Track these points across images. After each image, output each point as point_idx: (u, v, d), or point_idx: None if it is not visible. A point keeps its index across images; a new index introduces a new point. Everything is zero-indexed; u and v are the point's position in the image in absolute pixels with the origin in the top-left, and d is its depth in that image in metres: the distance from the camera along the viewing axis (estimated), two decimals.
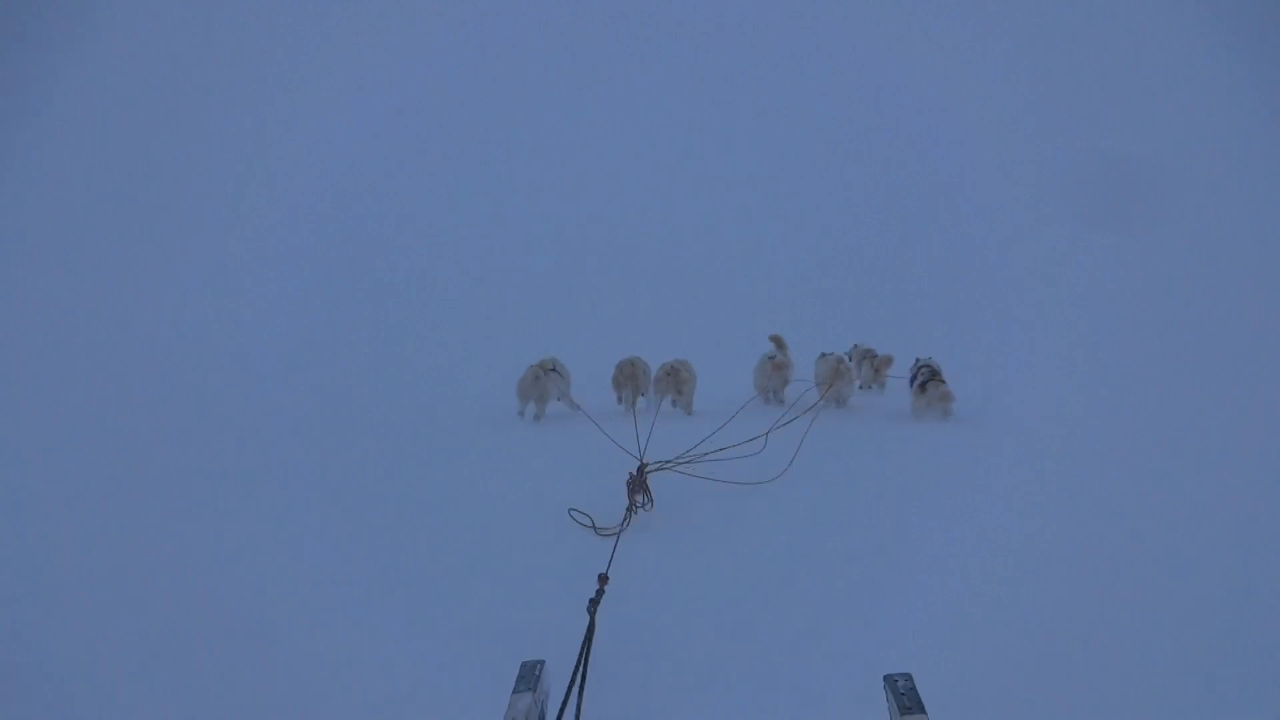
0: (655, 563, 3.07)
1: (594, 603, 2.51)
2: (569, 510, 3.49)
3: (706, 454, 4.29)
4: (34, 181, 11.31)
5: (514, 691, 1.96)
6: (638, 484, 3.67)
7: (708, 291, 10.63)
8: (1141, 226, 10.35)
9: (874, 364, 7.24)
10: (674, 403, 6.14)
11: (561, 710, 1.99)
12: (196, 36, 13.69)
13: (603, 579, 2.67)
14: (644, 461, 3.99)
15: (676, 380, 6.12)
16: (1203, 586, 2.90)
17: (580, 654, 2.20)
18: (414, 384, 7.10)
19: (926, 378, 5.92)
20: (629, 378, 6.08)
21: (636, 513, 3.52)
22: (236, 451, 4.97)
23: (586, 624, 2.36)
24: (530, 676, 2.02)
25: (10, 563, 3.19)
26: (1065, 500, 3.86)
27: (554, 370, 6.03)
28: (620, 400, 6.11)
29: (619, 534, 3.21)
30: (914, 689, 1.85)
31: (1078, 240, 10.64)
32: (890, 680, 1.89)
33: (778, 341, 7.01)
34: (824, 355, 6.58)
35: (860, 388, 7.13)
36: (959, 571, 2.97)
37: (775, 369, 6.51)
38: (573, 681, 2.09)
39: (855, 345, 7.61)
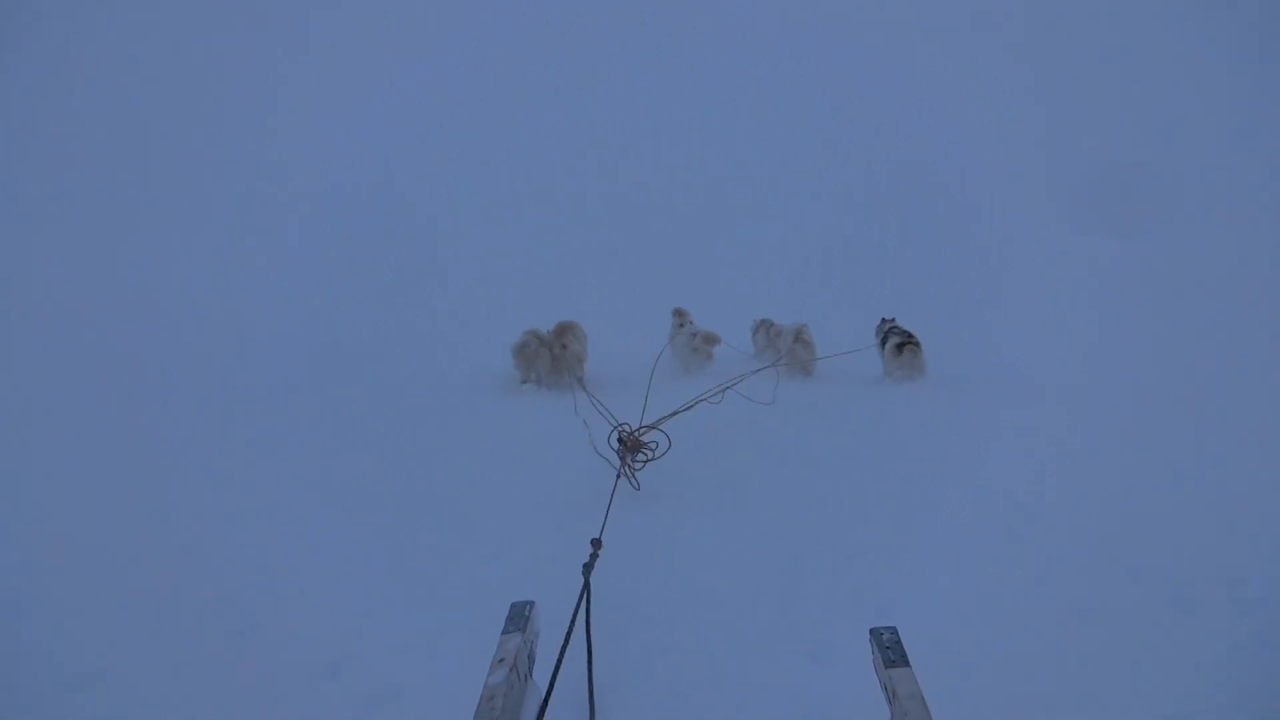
0: (643, 526, 3.10)
1: (588, 566, 2.55)
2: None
3: (688, 406, 4.28)
4: (44, 171, 11.32)
5: (504, 632, 1.99)
6: (631, 447, 3.70)
7: (708, 287, 10.62)
8: (1143, 228, 10.41)
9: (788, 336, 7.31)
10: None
11: (556, 668, 2.02)
12: (206, 26, 13.80)
13: (596, 543, 2.69)
14: (625, 428, 3.92)
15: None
16: (1186, 542, 2.97)
17: (574, 614, 2.24)
18: (414, 360, 7.15)
19: (902, 340, 5.90)
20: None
21: (641, 466, 3.57)
22: (240, 425, 5.08)
23: (581, 585, 2.40)
24: (520, 617, 2.05)
25: (10, 553, 3.19)
26: (1053, 465, 3.91)
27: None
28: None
29: (610, 499, 3.23)
30: (899, 642, 1.89)
31: (1078, 241, 10.67)
32: (876, 634, 1.93)
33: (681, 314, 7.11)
34: (762, 322, 6.95)
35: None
36: (944, 529, 3.03)
37: (706, 341, 6.51)
38: (567, 639, 2.13)
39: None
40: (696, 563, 2.82)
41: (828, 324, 7.10)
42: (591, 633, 2.22)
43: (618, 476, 3.48)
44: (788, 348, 6.26)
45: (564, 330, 6.37)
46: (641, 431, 3.88)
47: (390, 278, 11.08)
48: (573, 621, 2.21)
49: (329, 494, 3.73)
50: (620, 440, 3.79)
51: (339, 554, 3.06)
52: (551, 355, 6.14)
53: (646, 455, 3.67)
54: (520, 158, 14.05)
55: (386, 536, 3.23)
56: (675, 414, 4.18)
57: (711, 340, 6.65)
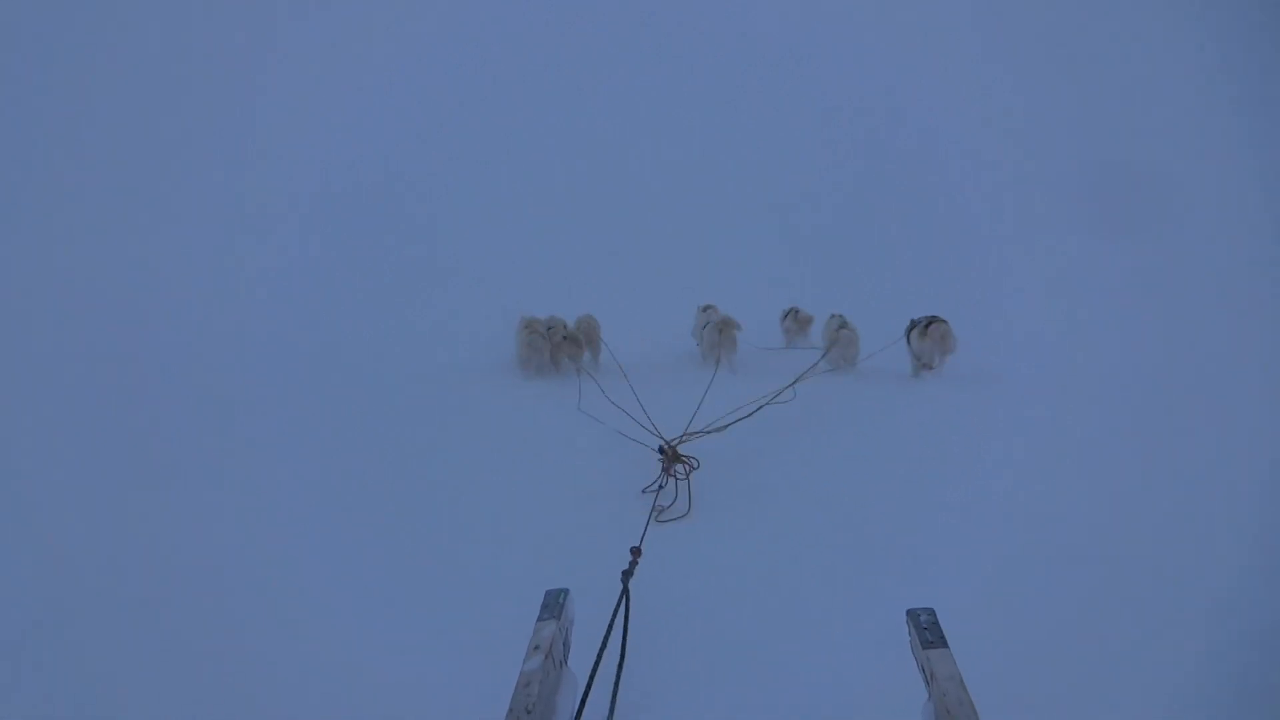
0: (673, 526, 3.11)
1: (627, 574, 2.56)
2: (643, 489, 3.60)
3: (736, 418, 4.28)
4: (37, 171, 11.08)
5: (538, 619, 2.00)
6: (672, 460, 3.72)
7: (709, 291, 10.66)
8: (1144, 228, 10.23)
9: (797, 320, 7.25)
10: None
11: (591, 677, 2.03)
12: (203, 23, 13.79)
13: (635, 551, 2.70)
14: (667, 443, 3.93)
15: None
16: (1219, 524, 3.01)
17: (610, 622, 2.25)
18: (417, 357, 7.17)
19: (928, 320, 5.88)
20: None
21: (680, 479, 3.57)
22: (239, 425, 5.09)
23: (620, 592, 2.42)
24: (555, 605, 2.06)
25: (7, 552, 3.17)
26: (1089, 452, 3.96)
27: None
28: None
29: (652, 509, 3.25)
30: (936, 623, 1.86)
31: (1077, 241, 10.54)
32: (913, 615, 1.91)
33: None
34: (791, 310, 7.11)
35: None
36: (982, 512, 3.00)
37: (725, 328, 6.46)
38: (604, 645, 2.14)
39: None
40: (725, 559, 2.82)
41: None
42: (627, 640, 2.23)
43: (659, 488, 3.49)
44: (831, 340, 6.23)
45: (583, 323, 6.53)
46: (682, 441, 3.90)
47: (390, 276, 10.72)
48: (612, 621, 2.23)
49: (355, 495, 3.75)
50: (662, 451, 3.81)
51: (372, 557, 3.10)
52: (559, 344, 6.20)
53: (688, 467, 3.66)
54: (520, 155, 14.02)
55: (418, 540, 3.27)
56: (724, 427, 4.18)
57: (730, 325, 6.58)
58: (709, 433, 4.10)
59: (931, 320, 5.88)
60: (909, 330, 6.19)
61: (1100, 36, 13.49)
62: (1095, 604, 2.49)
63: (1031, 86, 13.33)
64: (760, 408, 4.42)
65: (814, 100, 14.43)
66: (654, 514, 3.21)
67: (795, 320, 7.29)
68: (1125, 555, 2.83)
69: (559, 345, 6.28)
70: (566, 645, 2.09)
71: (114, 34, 13.08)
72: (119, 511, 3.52)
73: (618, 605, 2.36)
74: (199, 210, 11.46)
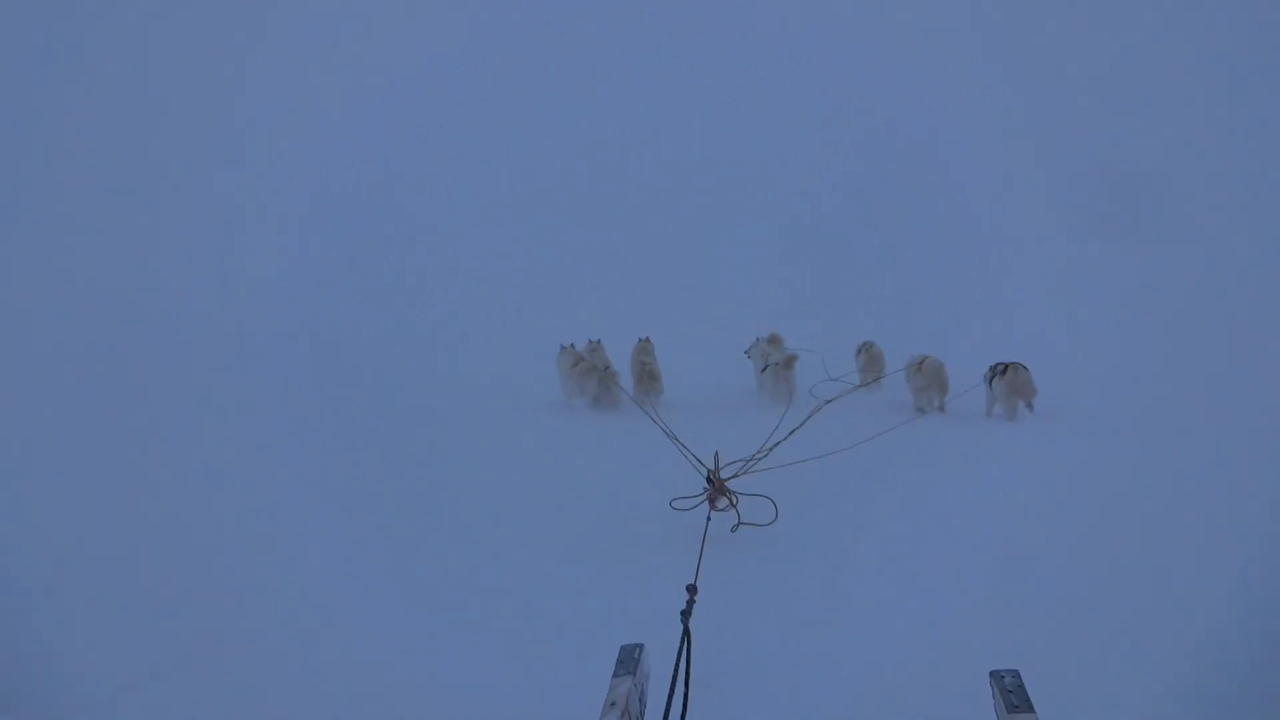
0: (743, 568, 3.09)
1: (685, 614, 2.53)
2: (671, 501, 3.56)
3: (777, 444, 4.25)
4: (35, 174, 11.17)
5: (614, 675, 1.99)
6: (719, 492, 3.69)
7: (710, 291, 10.65)
8: (1149, 234, 10.36)
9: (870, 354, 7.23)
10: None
11: (666, 713, 2.02)
12: (201, 24, 13.78)
13: (692, 589, 2.67)
14: (714, 472, 3.90)
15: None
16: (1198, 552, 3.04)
17: (676, 664, 2.23)
18: (440, 374, 7.25)
19: (1006, 365, 5.87)
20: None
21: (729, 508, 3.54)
22: (241, 431, 5.17)
23: (681, 632, 2.40)
24: (630, 660, 2.06)
25: (12, 554, 3.18)
26: (1168, 505, 3.79)
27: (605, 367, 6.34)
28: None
29: (704, 539, 3.21)
30: (1022, 686, 1.82)
31: (1081, 247, 10.63)
32: (997, 676, 1.88)
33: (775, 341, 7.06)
34: (865, 345, 7.10)
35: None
36: (1065, 568, 2.93)
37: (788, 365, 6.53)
38: (673, 689, 2.12)
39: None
40: (796, 597, 2.78)
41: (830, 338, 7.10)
42: (690, 683, 2.20)
43: (708, 519, 3.47)
44: (913, 381, 6.28)
45: (643, 349, 6.58)
46: (733, 473, 3.86)
47: (390, 278, 10.81)
48: (675, 669, 2.21)
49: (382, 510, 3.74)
50: (709, 481, 3.78)
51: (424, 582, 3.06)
52: (600, 375, 6.29)
53: (731, 502, 3.63)
54: (520, 157, 14.02)
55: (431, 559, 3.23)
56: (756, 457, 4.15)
57: (789, 365, 6.61)
58: (756, 463, 4.06)
59: (1009, 365, 5.88)
60: (988, 376, 6.13)
61: (1100, 36, 13.56)
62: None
63: (1034, 89, 13.33)
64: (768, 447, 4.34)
65: (814, 101, 14.35)
66: (703, 549, 3.18)
67: (868, 355, 7.30)
68: (1222, 619, 2.72)
69: (606, 375, 6.33)
70: (643, 701, 2.08)
71: (114, 38, 13.04)
72: (122, 511, 3.59)
73: (681, 646, 2.34)
74: (200, 213, 11.57)
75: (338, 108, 13.86)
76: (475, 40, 15.36)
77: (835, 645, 2.55)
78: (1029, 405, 5.89)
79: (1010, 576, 2.99)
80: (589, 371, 6.27)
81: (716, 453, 3.92)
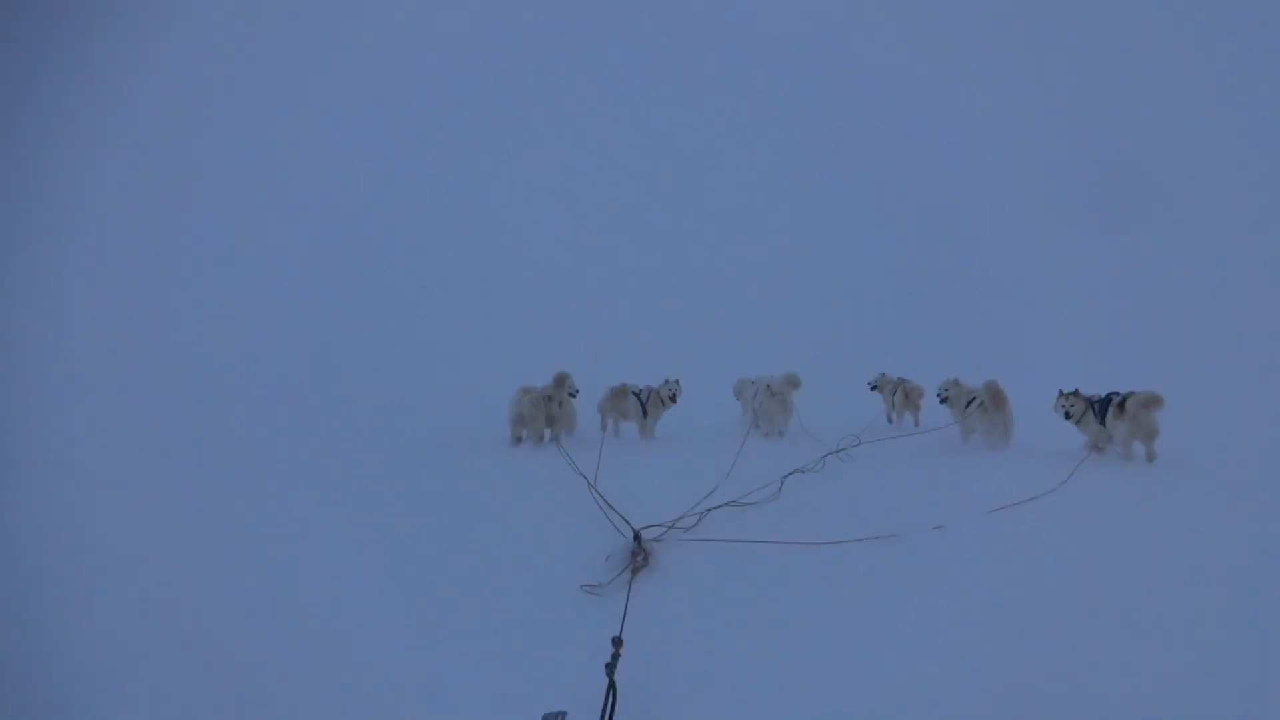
0: (662, 618, 3.07)
1: (610, 666, 2.53)
2: (581, 586, 3.52)
3: (709, 509, 4.37)
4: (38, 190, 11.27)
5: None
6: (639, 553, 3.71)
7: (709, 306, 10.80)
8: (1151, 229, 10.52)
9: (906, 392, 7.48)
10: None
11: None
12: (205, 42, 13.95)
13: (617, 642, 2.67)
14: (637, 532, 3.91)
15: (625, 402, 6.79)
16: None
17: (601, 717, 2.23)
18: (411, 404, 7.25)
19: (1123, 397, 5.45)
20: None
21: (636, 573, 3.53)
22: (249, 465, 5.29)
23: (606, 685, 2.39)
24: None
25: (19, 557, 3.26)
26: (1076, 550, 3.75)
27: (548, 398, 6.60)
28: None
29: (627, 598, 3.21)
30: None
31: (1086, 244, 10.81)
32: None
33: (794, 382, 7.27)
34: (899, 382, 7.65)
35: (890, 420, 7.48)
36: (968, 617, 2.97)
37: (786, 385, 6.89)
38: None
39: (883, 375, 7.91)
40: (712, 649, 2.78)
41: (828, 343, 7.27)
42: None
43: (633, 573, 3.47)
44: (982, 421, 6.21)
45: (560, 382, 6.81)
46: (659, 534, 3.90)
47: (387, 288, 11.25)
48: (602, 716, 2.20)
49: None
50: (636, 538, 3.80)
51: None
52: (548, 412, 6.58)
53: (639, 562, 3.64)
54: (523, 168, 14.44)
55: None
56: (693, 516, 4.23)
57: (791, 384, 6.93)
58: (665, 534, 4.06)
59: (1126, 396, 5.49)
60: (1064, 404, 5.98)
61: (1105, 41, 13.57)
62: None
63: (1037, 94, 13.51)
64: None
65: (813, 102, 14.60)
66: (628, 601, 3.17)
67: (904, 393, 7.58)
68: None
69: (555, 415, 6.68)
70: None
71: (116, 48, 12.99)
72: (119, 512, 3.78)
73: (606, 699, 2.33)
74: (207, 234, 11.79)
75: (341, 118, 14.26)
76: (478, 45, 15.72)
77: (768, 698, 2.55)
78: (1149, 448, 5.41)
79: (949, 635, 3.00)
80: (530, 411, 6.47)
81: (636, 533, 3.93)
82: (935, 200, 12.81)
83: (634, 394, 7.25)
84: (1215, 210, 10.95)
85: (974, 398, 6.38)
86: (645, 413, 7.19)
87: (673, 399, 7.30)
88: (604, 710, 2.28)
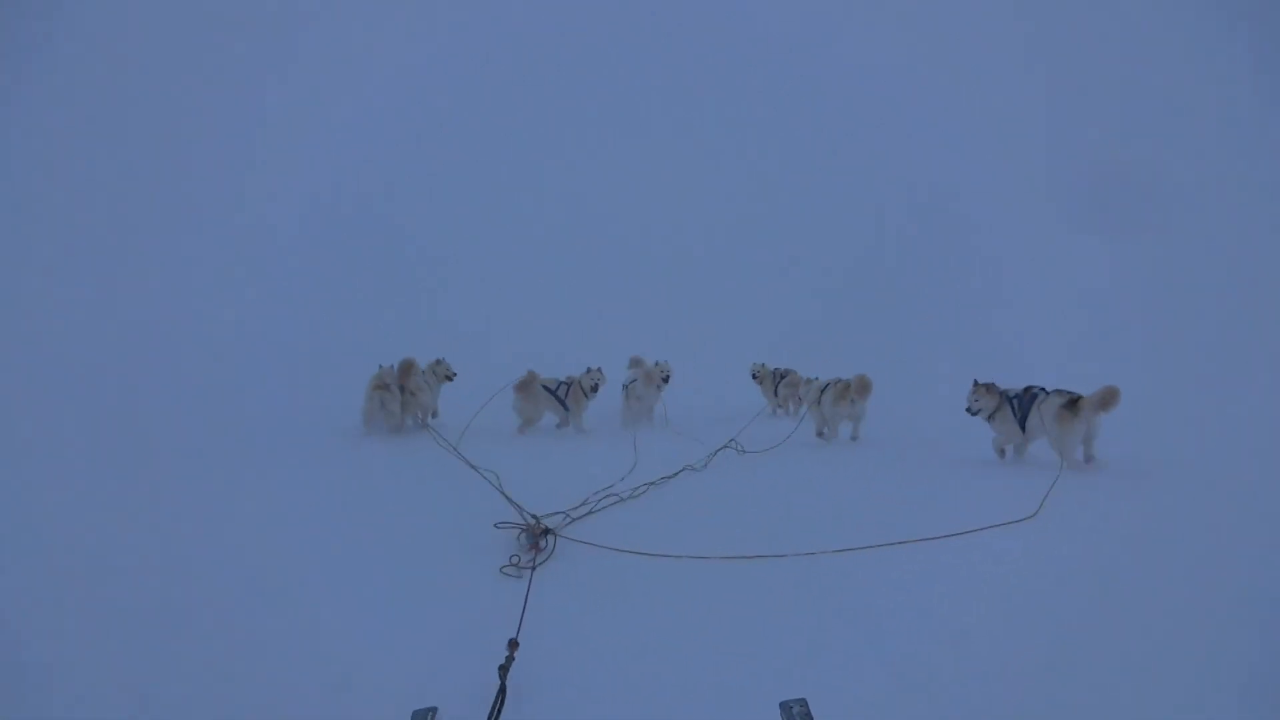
0: (551, 609, 3.06)
1: (504, 669, 2.47)
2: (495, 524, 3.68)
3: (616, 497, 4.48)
4: (31, 183, 11.08)
5: None
6: (537, 538, 3.71)
7: (706, 300, 10.86)
8: (1145, 230, 10.66)
9: (791, 383, 7.69)
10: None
11: None
12: (198, 34, 13.51)
13: (513, 644, 2.61)
14: (537, 520, 3.91)
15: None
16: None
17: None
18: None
19: (1069, 397, 4.75)
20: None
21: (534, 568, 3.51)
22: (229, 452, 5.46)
23: (497, 688, 2.35)
24: None
25: (16, 561, 3.27)
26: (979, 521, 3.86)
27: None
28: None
29: (526, 595, 3.17)
30: (809, 714, 1.94)
31: (1080, 245, 10.99)
32: (786, 707, 1.98)
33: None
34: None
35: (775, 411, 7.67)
36: (856, 601, 3.05)
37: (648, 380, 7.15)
38: None
39: (762, 365, 8.06)
40: (604, 634, 2.81)
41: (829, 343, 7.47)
42: None
43: (532, 570, 3.44)
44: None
45: (407, 370, 6.80)
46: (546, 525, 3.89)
47: (383, 287, 11.13)
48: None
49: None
50: (527, 530, 3.78)
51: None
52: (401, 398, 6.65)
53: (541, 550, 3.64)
54: (517, 164, 14.20)
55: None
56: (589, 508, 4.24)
57: (652, 379, 7.17)
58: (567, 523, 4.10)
59: (1074, 397, 4.80)
60: (1009, 400, 5.23)
61: (1104, 40, 13.70)
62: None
63: (1036, 93, 13.56)
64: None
65: (812, 103, 14.67)
66: (526, 601, 3.14)
67: (790, 384, 7.72)
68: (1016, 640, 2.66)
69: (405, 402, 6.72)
70: None
71: (114, 43, 12.58)
72: (118, 518, 3.74)
73: (495, 702, 2.29)
74: (193, 226, 11.47)
75: (333, 110, 13.98)
76: (474, 40, 15.40)
77: (645, 680, 2.56)
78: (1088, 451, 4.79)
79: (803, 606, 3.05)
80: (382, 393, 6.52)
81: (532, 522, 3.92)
82: (934, 200, 13.09)
83: (546, 387, 7.16)
84: (1214, 211, 11.21)
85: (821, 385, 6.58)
86: (566, 406, 7.14)
87: (594, 389, 7.25)
88: (491, 714, 2.24)
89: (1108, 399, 4.65)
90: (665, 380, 7.48)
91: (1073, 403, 4.73)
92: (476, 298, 11.62)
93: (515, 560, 3.46)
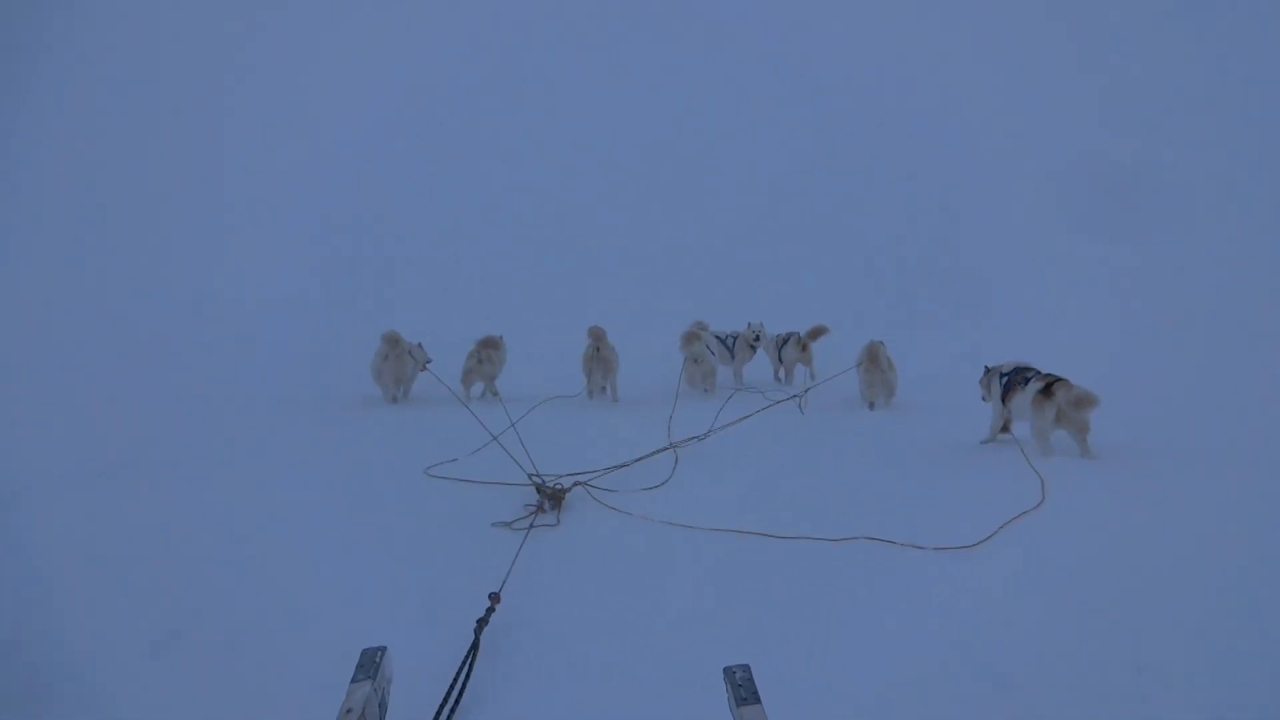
0: (544, 570, 3.16)
1: (481, 622, 2.52)
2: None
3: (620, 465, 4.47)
4: (35, 182, 11.57)
5: (352, 680, 1.91)
6: (546, 499, 3.80)
7: (705, 292, 10.86)
8: (1144, 232, 10.46)
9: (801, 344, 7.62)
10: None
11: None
12: (200, 35, 14.08)
13: (494, 598, 2.66)
14: (541, 482, 3.95)
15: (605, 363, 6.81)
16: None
17: (459, 672, 2.30)
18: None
19: (1047, 381, 4.72)
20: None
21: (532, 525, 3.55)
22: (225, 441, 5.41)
23: (471, 643, 2.46)
24: (370, 664, 1.97)
25: (17, 560, 3.29)
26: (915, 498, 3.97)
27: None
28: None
29: (517, 553, 3.28)
30: (751, 679, 1.96)
31: (1079, 247, 10.79)
32: (729, 672, 1.95)
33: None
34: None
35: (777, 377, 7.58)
36: (803, 567, 3.06)
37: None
38: (447, 699, 2.19)
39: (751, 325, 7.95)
40: (565, 598, 2.86)
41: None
42: (465, 690, 2.21)
43: (529, 529, 3.54)
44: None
45: (487, 343, 6.94)
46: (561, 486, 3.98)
47: (377, 284, 11.39)
48: (456, 678, 2.27)
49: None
50: (539, 491, 3.89)
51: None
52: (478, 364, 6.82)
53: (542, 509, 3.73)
54: (513, 156, 14.38)
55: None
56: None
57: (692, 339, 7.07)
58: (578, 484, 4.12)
59: (1053, 380, 4.75)
60: (988, 381, 5.30)
61: (1103, 39, 13.56)
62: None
63: (1035, 93, 13.38)
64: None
65: (812, 104, 14.42)
66: (516, 559, 3.25)
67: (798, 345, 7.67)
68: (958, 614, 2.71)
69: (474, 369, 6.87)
70: (384, 706, 1.99)
71: (117, 44, 13.28)
72: (115, 514, 3.77)
73: (468, 656, 2.40)
74: (194, 223, 11.82)
75: (333, 122, 14.23)
76: (473, 38, 15.67)
77: (598, 642, 2.54)
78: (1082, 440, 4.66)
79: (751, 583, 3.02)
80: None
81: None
82: (933, 200, 12.77)
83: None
84: (1214, 208, 10.94)
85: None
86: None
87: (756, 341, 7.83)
88: (463, 665, 2.35)
89: (1082, 401, 4.58)
90: (756, 341, 7.82)
91: (1048, 388, 4.70)
92: (487, 291, 11.67)
93: (525, 517, 3.54)
